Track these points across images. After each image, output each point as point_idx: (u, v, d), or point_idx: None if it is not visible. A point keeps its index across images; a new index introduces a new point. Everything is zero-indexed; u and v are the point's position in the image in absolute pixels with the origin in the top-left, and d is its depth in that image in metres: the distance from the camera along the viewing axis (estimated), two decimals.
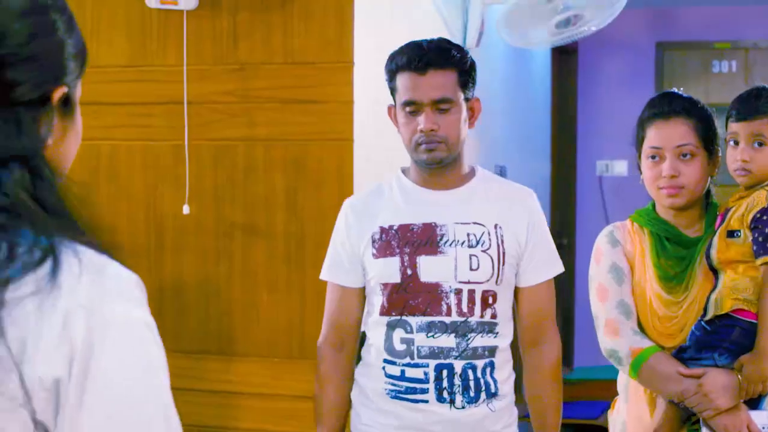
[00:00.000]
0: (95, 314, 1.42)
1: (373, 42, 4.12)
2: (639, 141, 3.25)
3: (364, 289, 3.26)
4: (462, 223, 3.15)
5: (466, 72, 3.14)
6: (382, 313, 3.17)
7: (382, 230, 3.18)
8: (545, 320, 3.27)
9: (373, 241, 3.18)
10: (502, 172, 6.45)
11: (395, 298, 3.15)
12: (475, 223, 3.16)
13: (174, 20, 4.13)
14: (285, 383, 4.06)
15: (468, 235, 3.13)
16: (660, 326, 3.15)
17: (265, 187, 4.07)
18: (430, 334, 3.10)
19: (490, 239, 3.14)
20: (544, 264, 3.24)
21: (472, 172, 3.27)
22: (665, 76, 8.94)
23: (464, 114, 3.14)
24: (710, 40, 8.84)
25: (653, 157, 3.17)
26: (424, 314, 3.11)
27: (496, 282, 3.14)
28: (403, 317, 3.13)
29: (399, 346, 3.15)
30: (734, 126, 3.10)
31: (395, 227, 3.17)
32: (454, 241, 3.13)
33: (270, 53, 4.06)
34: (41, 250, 1.40)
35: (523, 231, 3.18)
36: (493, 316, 3.15)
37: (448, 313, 3.11)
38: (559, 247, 3.57)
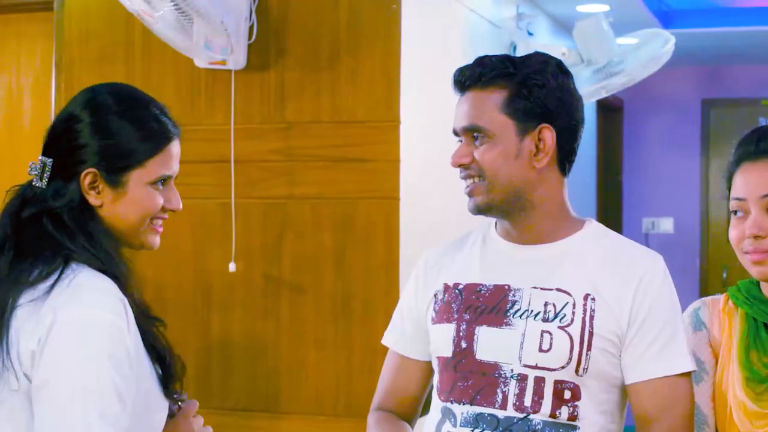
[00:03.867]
0: (58, 313, 2.03)
1: (421, 101, 4.13)
2: (728, 192, 2.44)
3: (431, 363, 2.57)
4: (541, 289, 2.39)
5: (524, 91, 2.39)
6: (438, 396, 2.48)
7: (446, 288, 2.50)
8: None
9: (435, 302, 2.52)
10: None
11: (445, 377, 2.45)
12: (558, 290, 2.38)
13: (222, 79, 4.17)
14: None
15: (546, 305, 2.37)
16: None
17: (312, 245, 4.08)
18: (476, 431, 2.37)
19: (574, 313, 2.35)
20: (659, 355, 2.35)
21: (577, 226, 2.49)
22: (711, 134, 8.93)
23: (512, 147, 2.39)
24: (757, 97, 8.82)
25: (736, 212, 2.39)
26: (471, 403, 2.38)
27: (577, 371, 2.33)
28: (449, 404, 2.42)
29: None
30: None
31: (461, 286, 2.47)
32: (527, 311, 2.38)
33: (317, 112, 4.08)
34: (51, 271, 2.08)
35: (627, 306, 2.35)
36: (573, 417, 2.33)
37: (503, 406, 2.35)
38: None
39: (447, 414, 2.41)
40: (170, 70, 4.25)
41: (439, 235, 4.20)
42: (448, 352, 2.43)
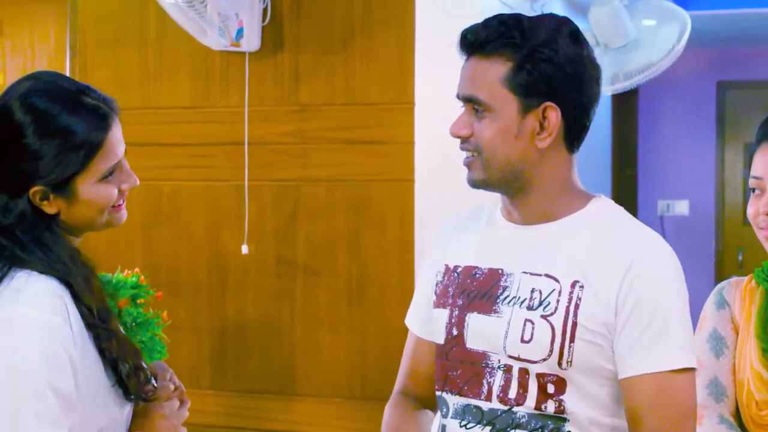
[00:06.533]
0: (0, 312, 2.02)
1: (435, 83, 4.12)
2: (749, 170, 2.46)
3: None
4: (531, 274, 2.22)
5: (528, 65, 2.18)
6: (435, 384, 2.37)
7: (446, 270, 2.37)
8: None
9: (437, 284, 2.39)
10: None
11: (439, 365, 2.33)
12: (547, 275, 2.21)
13: (236, 62, 4.16)
14: (346, 423, 4.05)
15: (533, 291, 2.21)
16: (756, 414, 2.43)
17: (326, 227, 4.08)
18: (463, 423, 2.26)
19: (558, 301, 2.17)
20: (649, 349, 2.14)
21: (580, 204, 2.29)
22: (726, 116, 8.89)
23: (512, 125, 2.20)
24: None
25: (753, 190, 2.42)
26: (460, 393, 2.27)
27: (560, 364, 2.16)
28: (444, 394, 2.31)
29: None
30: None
31: (460, 269, 2.34)
32: (514, 298, 2.22)
33: (331, 94, 4.08)
34: None
35: (613, 294, 2.15)
36: (560, 411, 2.18)
37: (488, 397, 2.23)
38: None
39: (441, 404, 2.32)
40: (184, 52, 4.25)
41: (454, 217, 4.20)
42: (441, 339, 2.30)
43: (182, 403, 2.35)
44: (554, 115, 2.19)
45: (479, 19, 2.33)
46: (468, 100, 2.25)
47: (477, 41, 2.24)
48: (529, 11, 5.05)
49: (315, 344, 4.10)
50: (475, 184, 2.29)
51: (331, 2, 4.07)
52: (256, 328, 4.17)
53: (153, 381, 2.29)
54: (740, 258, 8.14)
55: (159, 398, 2.26)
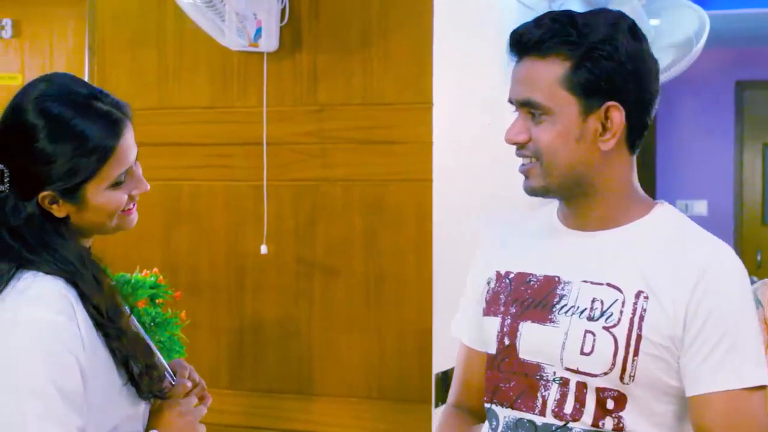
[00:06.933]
0: (4, 312, 2.04)
1: (453, 83, 4.12)
2: None
3: None
4: (591, 283, 2.13)
5: (588, 64, 2.09)
6: (484, 395, 2.29)
7: (497, 276, 2.29)
8: None
9: (487, 290, 2.31)
10: None
11: (489, 376, 2.25)
12: (609, 285, 2.11)
13: (254, 62, 4.16)
14: (364, 423, 4.05)
15: (593, 301, 2.11)
16: None
17: (343, 227, 4.08)
18: None
19: (622, 312, 2.07)
20: (721, 365, 2.04)
21: (642, 210, 2.22)
22: (745, 115, 8.87)
23: (573, 127, 2.11)
24: None
25: None
26: (512, 406, 2.17)
27: (622, 379, 2.06)
28: (493, 406, 2.23)
29: None
30: None
31: (512, 275, 2.25)
32: (573, 307, 2.13)
33: (349, 94, 4.08)
34: (1, 279, 2.08)
35: (682, 307, 2.05)
36: (618, 428, 2.08)
37: (542, 412, 2.13)
38: None
39: (491, 416, 2.22)
40: (202, 52, 4.25)
41: (472, 217, 4.20)
42: (492, 349, 2.22)
43: (203, 399, 2.36)
44: (618, 115, 2.12)
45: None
46: (524, 105, 2.14)
47: (531, 41, 2.12)
48: (547, 10, 5.04)
49: (332, 344, 4.10)
50: (534, 191, 2.18)
51: (349, 2, 4.07)
52: (274, 327, 4.17)
53: (170, 378, 2.30)
54: (759, 258, 8.12)
55: (176, 395, 2.27)
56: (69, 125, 2.11)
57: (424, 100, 3.97)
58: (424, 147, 3.96)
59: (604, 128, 2.12)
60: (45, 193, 2.14)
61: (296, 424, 4.15)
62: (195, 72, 4.26)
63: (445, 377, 3.54)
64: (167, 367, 2.36)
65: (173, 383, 2.29)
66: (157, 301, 3.53)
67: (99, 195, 2.16)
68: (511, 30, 2.20)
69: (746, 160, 8.90)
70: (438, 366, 3.93)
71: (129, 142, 2.18)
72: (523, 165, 2.17)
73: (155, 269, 3.63)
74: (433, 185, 3.96)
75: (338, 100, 4.09)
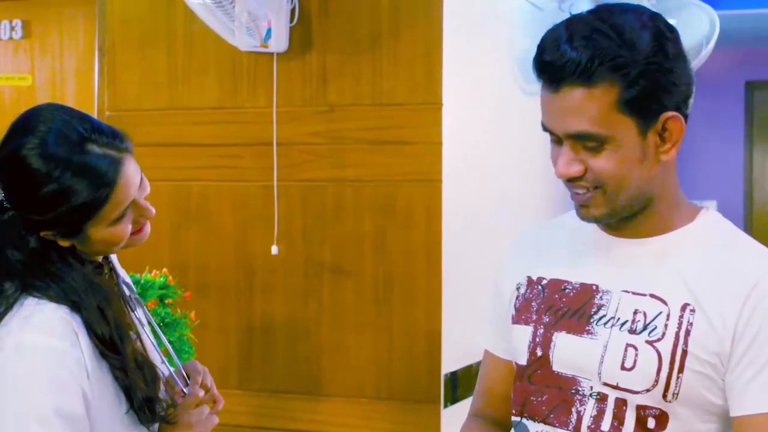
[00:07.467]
0: (7, 337, 2.03)
1: (463, 83, 4.12)
2: None
3: None
4: (633, 293, 2.01)
5: (642, 81, 1.92)
6: (512, 407, 2.19)
7: (529, 282, 2.18)
8: None
9: (517, 297, 2.20)
10: None
11: (519, 388, 2.14)
12: (652, 296, 1.99)
13: (264, 63, 4.17)
14: (373, 423, 4.05)
15: (635, 313, 1.99)
16: None
17: (353, 227, 4.08)
18: None
19: (666, 326, 1.95)
20: None
21: (688, 217, 2.09)
22: (755, 116, 8.86)
23: (635, 149, 1.96)
24: None
25: None
26: (545, 421, 2.06)
27: (665, 396, 1.95)
28: (522, 420, 2.12)
29: None
30: None
31: (545, 281, 2.14)
32: (612, 318, 2.01)
33: (359, 95, 4.08)
34: (6, 302, 2.08)
35: (731, 321, 1.92)
36: None
37: (577, 428, 2.01)
38: None
39: (520, 430, 2.11)
40: (212, 52, 4.25)
41: (482, 218, 4.20)
42: (522, 360, 2.11)
43: (215, 402, 2.35)
44: (676, 125, 1.99)
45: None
46: (576, 137, 1.96)
47: (573, 69, 1.91)
48: (556, 11, 5.05)
49: (341, 344, 4.10)
50: (597, 219, 2.05)
51: (359, 3, 4.07)
52: (283, 328, 4.17)
53: (182, 385, 2.30)
54: None
55: (187, 405, 2.27)
56: (58, 182, 2.09)
57: (434, 101, 3.97)
58: (434, 147, 3.95)
59: (662, 139, 2.00)
60: (46, 233, 2.15)
61: (305, 424, 4.15)
62: (205, 72, 4.26)
63: (454, 378, 3.53)
64: (181, 369, 2.35)
65: (185, 391, 2.29)
66: (166, 301, 3.53)
67: (101, 232, 2.17)
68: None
69: (756, 161, 8.89)
70: (447, 367, 3.93)
71: (127, 178, 2.14)
72: (579, 194, 2.03)
73: (165, 269, 3.64)
74: (442, 186, 3.95)
75: (348, 100, 4.09)
